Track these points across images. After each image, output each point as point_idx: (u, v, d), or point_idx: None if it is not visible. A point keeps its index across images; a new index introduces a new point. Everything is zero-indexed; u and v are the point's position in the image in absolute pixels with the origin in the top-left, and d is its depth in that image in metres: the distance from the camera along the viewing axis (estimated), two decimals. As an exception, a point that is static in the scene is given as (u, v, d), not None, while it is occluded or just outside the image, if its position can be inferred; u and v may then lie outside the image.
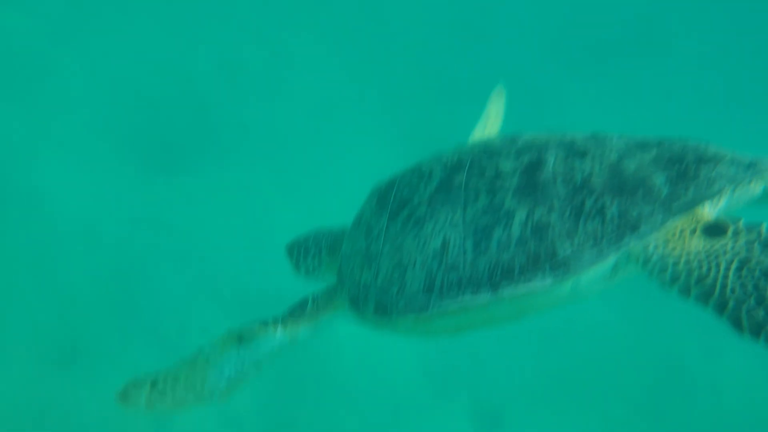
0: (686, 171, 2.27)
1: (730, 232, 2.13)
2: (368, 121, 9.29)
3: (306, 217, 8.07)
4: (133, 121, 8.07)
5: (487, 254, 2.35)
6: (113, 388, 5.43)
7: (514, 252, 2.31)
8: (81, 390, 5.58)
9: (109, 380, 5.71)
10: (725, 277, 2.00)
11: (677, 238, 2.19)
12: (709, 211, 2.25)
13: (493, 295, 2.32)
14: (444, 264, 2.42)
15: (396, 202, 2.68)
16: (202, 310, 6.37)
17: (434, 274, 2.43)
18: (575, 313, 6.91)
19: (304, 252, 3.33)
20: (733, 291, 1.97)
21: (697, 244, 2.14)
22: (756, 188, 2.31)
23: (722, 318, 1.94)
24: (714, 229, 2.15)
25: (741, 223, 2.14)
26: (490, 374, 6.86)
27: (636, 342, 7.23)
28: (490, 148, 2.56)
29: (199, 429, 5.61)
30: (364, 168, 8.61)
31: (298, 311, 2.86)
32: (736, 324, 1.91)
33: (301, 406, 5.94)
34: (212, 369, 2.88)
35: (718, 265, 2.05)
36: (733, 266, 2.02)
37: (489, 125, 3.73)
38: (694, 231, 2.18)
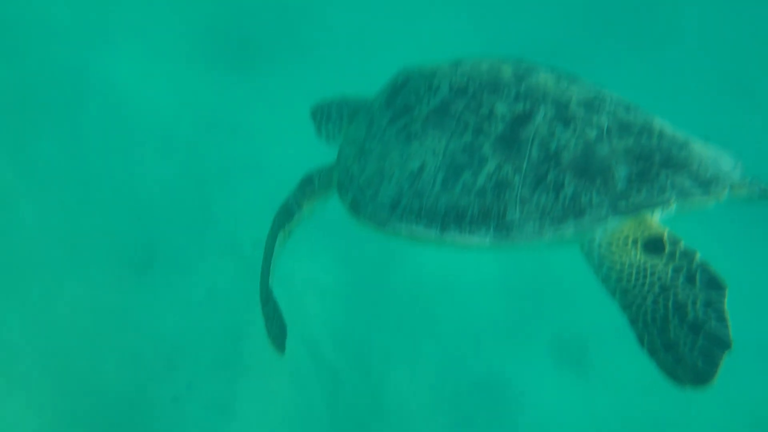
0: (647, 171, 2.29)
1: (666, 253, 2.17)
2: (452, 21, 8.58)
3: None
4: (209, 13, 7.59)
5: (450, 193, 2.42)
6: (188, 297, 5.33)
7: (472, 200, 2.38)
8: (157, 297, 5.48)
9: (184, 288, 5.65)
10: (644, 298, 2.09)
11: (620, 243, 2.24)
12: (656, 217, 2.30)
13: (440, 235, 2.43)
14: (414, 187, 2.51)
15: (400, 106, 2.72)
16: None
17: (402, 194, 2.53)
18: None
19: (327, 117, 3.36)
20: (645, 314, 2.06)
21: (634, 255, 2.19)
22: (708, 202, 2.32)
23: (630, 326, 2.07)
24: (653, 246, 2.20)
25: (679, 246, 2.17)
26: (576, 305, 6.45)
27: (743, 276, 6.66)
28: (497, 81, 2.56)
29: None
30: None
31: (309, 190, 3.07)
32: (639, 339, 2.04)
33: (379, 331, 5.72)
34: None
35: (642, 285, 2.12)
36: (654, 290, 2.09)
37: None
38: (636, 242, 2.22)
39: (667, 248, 2.18)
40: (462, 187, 2.42)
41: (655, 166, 2.30)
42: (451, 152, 2.50)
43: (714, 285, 2.07)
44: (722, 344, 1.94)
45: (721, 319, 1.99)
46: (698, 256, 2.14)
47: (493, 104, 2.50)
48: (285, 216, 3.12)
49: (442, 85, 2.65)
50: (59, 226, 5.54)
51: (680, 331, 2.00)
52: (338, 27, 8.08)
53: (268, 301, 3.35)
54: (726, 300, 2.04)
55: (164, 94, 6.69)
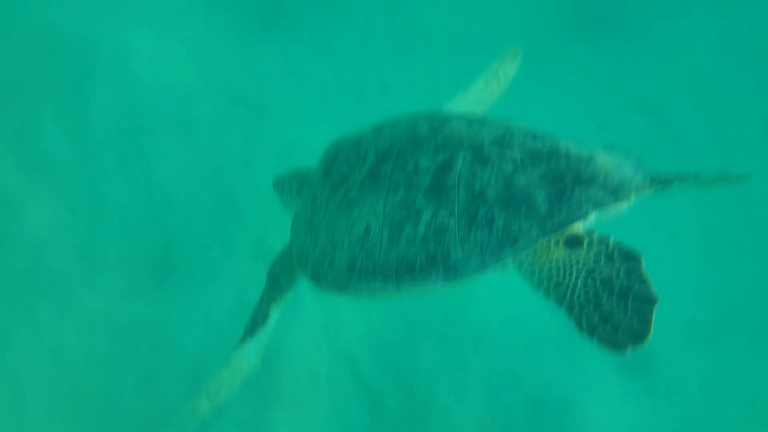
0: (563, 191, 2.55)
1: (585, 244, 2.49)
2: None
3: (428, 94, 6.89)
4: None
5: (398, 247, 2.65)
6: (212, 306, 4.76)
7: (418, 249, 2.61)
8: (178, 309, 4.92)
9: (209, 298, 5.08)
10: (574, 285, 2.38)
11: (544, 248, 2.52)
12: (578, 227, 2.57)
13: (396, 287, 2.65)
14: (364, 249, 2.73)
15: (336, 178, 2.98)
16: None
17: (356, 256, 2.76)
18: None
19: (281, 189, 3.73)
20: (578, 297, 2.34)
21: (558, 253, 2.49)
22: (620, 207, 2.63)
23: (570, 318, 2.32)
24: (573, 241, 2.51)
25: (594, 235, 2.51)
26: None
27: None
28: (416, 137, 2.81)
29: (311, 364, 4.92)
30: (495, 33, 7.19)
31: (277, 289, 3.42)
32: (578, 324, 2.30)
33: (424, 345, 5.14)
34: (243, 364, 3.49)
35: (570, 274, 2.41)
36: (582, 275, 2.39)
37: (492, 84, 3.99)
38: (557, 242, 2.52)
39: (585, 240, 2.51)
40: (406, 240, 2.65)
41: (569, 185, 2.57)
42: (389, 210, 2.74)
43: (630, 256, 2.40)
44: (650, 300, 2.26)
45: (643, 281, 2.31)
46: (612, 237, 2.48)
47: (417, 159, 2.76)
48: (258, 322, 3.49)
49: (369, 152, 2.93)
50: (69, 229, 4.95)
51: (612, 301, 2.28)
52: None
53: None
54: (643, 265, 2.36)
55: (183, 68, 5.97)
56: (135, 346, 4.75)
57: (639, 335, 2.21)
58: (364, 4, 7.08)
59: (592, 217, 2.59)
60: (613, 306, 2.30)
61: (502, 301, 5.42)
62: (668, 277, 6.17)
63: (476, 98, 3.94)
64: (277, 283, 3.43)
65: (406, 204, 2.70)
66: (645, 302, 2.27)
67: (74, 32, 5.62)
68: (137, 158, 5.33)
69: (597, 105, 7.14)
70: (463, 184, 2.64)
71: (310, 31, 6.47)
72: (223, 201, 5.38)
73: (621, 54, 7.24)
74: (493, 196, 2.59)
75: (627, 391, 5.36)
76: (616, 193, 2.61)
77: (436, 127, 2.84)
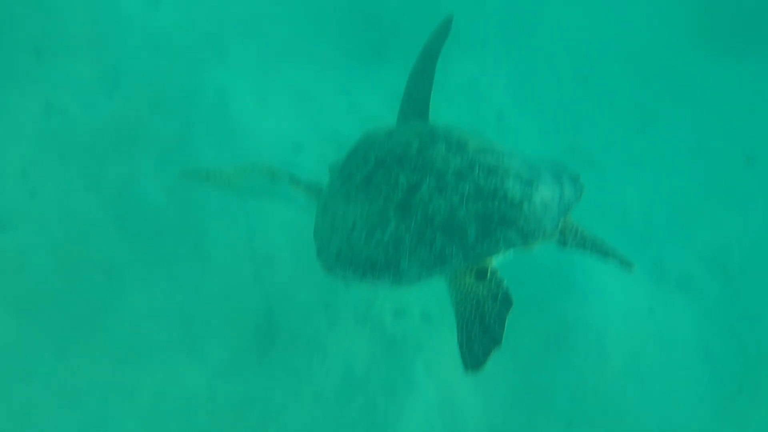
0: (488, 228, 3.17)
1: (487, 279, 3.18)
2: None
3: (551, 126, 6.24)
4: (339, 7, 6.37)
5: (368, 246, 3.30)
6: (317, 381, 4.39)
7: (380, 252, 3.25)
8: (281, 385, 4.60)
9: (313, 369, 4.73)
10: (466, 309, 3.13)
11: (462, 274, 3.23)
12: (494, 260, 3.26)
13: (360, 279, 3.30)
14: (348, 241, 3.38)
15: (347, 173, 3.62)
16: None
17: (342, 246, 3.41)
18: None
19: (333, 170, 4.01)
20: (465, 319, 3.09)
21: (468, 281, 3.20)
22: (532, 248, 3.26)
23: (458, 331, 3.09)
24: (481, 274, 3.20)
25: (496, 275, 3.20)
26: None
27: None
28: (405, 154, 3.43)
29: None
30: None
31: (312, 191, 4.11)
32: (458, 335, 3.08)
33: (550, 427, 4.58)
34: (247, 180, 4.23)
35: (467, 300, 3.15)
36: (473, 304, 3.12)
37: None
38: (471, 272, 3.22)
39: (488, 276, 3.18)
40: (375, 242, 3.26)
41: (494, 224, 3.18)
42: (370, 214, 3.33)
43: (506, 302, 3.09)
44: (495, 342, 2.98)
45: (501, 327, 3.02)
46: (504, 282, 3.17)
47: (398, 175, 3.35)
48: (280, 174, 4.16)
49: (370, 158, 3.52)
50: (170, 297, 4.74)
51: (477, 332, 3.02)
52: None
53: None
54: (509, 312, 3.07)
55: (287, 114, 5.65)
56: (238, 426, 4.46)
57: (477, 363, 2.94)
58: (481, 29, 6.50)
59: (503, 255, 3.24)
60: (476, 335, 3.02)
61: (643, 374, 4.77)
62: (740, 201, 5.41)
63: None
64: (316, 189, 4.08)
65: (382, 212, 3.31)
66: (492, 342, 2.98)
67: (178, 82, 5.40)
68: (239, 215, 5.04)
69: (747, 131, 6.26)
70: (421, 206, 3.24)
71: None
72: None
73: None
74: (439, 222, 3.20)
75: None
76: (527, 238, 3.17)
77: (423, 148, 3.41)
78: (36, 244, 4.70)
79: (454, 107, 6.08)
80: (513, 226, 3.17)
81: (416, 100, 4.25)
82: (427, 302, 4.93)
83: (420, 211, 3.22)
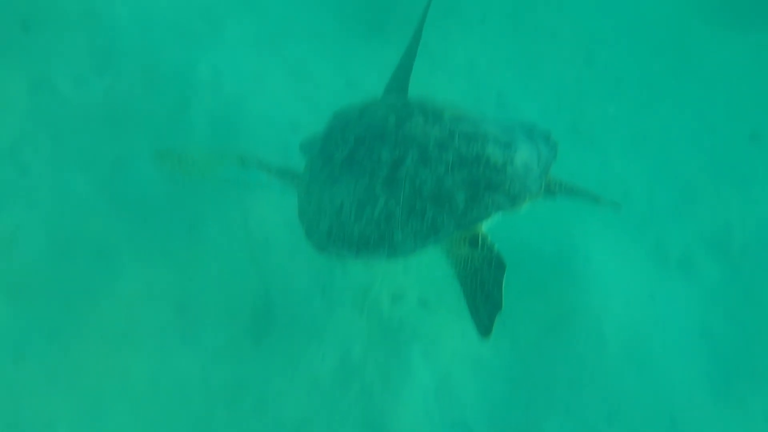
0: (476, 195, 3.25)
1: (480, 245, 3.28)
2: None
3: (553, 106, 6.11)
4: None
5: (359, 223, 3.36)
6: (314, 367, 4.34)
7: (373, 228, 3.31)
8: (278, 371, 4.54)
9: (310, 355, 4.67)
10: (467, 277, 3.24)
11: (457, 242, 3.31)
12: (486, 224, 3.35)
13: (356, 256, 3.35)
14: (338, 220, 3.44)
15: (327, 154, 3.67)
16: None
17: (332, 225, 3.46)
18: None
19: (306, 151, 4.11)
20: (468, 287, 3.22)
21: (464, 249, 3.29)
22: (520, 209, 3.31)
23: (466, 301, 3.21)
24: (474, 242, 3.30)
25: (487, 242, 3.30)
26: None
27: None
28: (384, 130, 3.48)
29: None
30: None
31: (285, 176, 4.15)
32: (466, 300, 3.21)
33: (550, 416, 4.53)
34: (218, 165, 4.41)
35: (466, 268, 3.25)
36: (472, 271, 3.23)
37: None
38: (465, 240, 3.31)
39: (480, 243, 3.29)
40: (366, 219, 3.33)
41: (481, 189, 3.26)
42: (357, 192, 3.40)
43: (499, 267, 3.20)
44: (496, 307, 3.11)
45: (499, 290, 3.14)
46: (495, 246, 3.28)
47: (380, 151, 3.41)
48: (251, 161, 4.20)
49: (349, 137, 3.59)
50: (165, 280, 4.65)
51: (480, 299, 3.14)
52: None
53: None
54: (504, 275, 3.17)
55: (284, 93, 5.51)
56: (233, 411, 4.41)
57: (486, 329, 3.08)
58: (482, 4, 6.33)
59: (494, 218, 3.31)
60: (480, 303, 3.14)
61: (642, 358, 4.72)
62: (744, 180, 5.39)
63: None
64: (288, 174, 4.12)
65: (369, 189, 3.35)
66: (494, 307, 3.11)
67: (171, 60, 5.25)
68: (234, 197, 4.94)
69: (753, 106, 6.14)
70: (408, 179, 3.29)
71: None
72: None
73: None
74: (428, 193, 3.27)
75: None
76: (514, 200, 3.27)
77: (400, 122, 3.46)
78: (27, 223, 4.60)
79: (455, 86, 5.95)
80: (500, 190, 3.25)
81: (397, 76, 4.25)
82: (425, 288, 4.86)
83: (407, 184, 3.27)
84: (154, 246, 4.71)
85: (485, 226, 3.40)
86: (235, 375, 4.49)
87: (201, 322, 4.59)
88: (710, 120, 6.10)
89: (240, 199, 4.92)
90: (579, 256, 5.07)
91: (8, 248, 4.55)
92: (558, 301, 4.85)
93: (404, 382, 4.51)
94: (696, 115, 6.10)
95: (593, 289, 4.95)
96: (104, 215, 4.72)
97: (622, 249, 5.29)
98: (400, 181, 3.29)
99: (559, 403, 4.56)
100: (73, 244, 4.62)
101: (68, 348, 4.38)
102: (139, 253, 4.69)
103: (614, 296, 4.97)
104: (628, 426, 4.54)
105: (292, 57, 5.66)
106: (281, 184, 4.21)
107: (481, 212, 3.22)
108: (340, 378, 4.52)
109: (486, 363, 4.66)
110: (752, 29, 6.50)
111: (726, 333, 5.02)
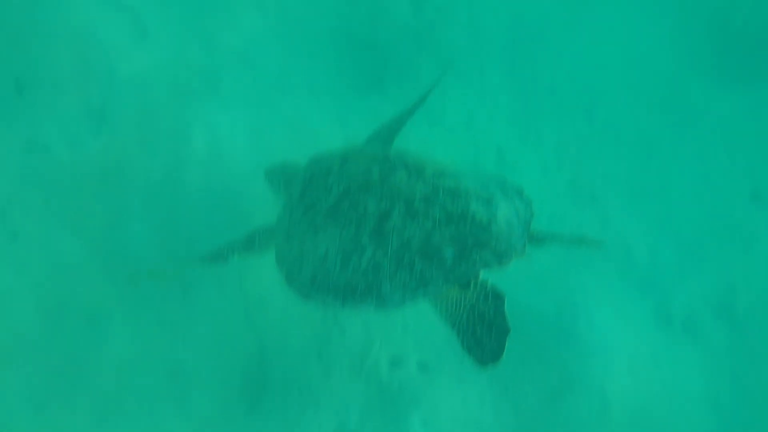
0: (464, 251, 3.33)
1: (471, 287, 3.34)
2: None
3: (552, 161, 6.05)
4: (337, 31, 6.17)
5: (345, 272, 3.38)
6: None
7: (360, 278, 3.35)
8: (272, 438, 4.40)
9: (306, 425, 4.53)
10: (461, 315, 3.30)
11: (446, 290, 3.33)
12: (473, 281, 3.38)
13: (341, 305, 3.36)
14: (323, 268, 3.45)
15: (308, 201, 3.72)
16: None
17: (316, 272, 3.47)
18: None
19: (271, 181, 4.46)
20: (462, 325, 3.27)
21: (455, 294, 3.34)
22: (504, 267, 3.35)
23: (456, 338, 3.27)
24: (464, 285, 3.34)
25: (479, 280, 3.35)
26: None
27: None
28: (369, 182, 3.58)
29: None
30: None
31: (248, 247, 4.03)
32: (461, 343, 3.24)
33: None
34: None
35: (459, 308, 3.31)
36: (467, 309, 3.29)
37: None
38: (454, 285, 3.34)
39: (472, 284, 3.34)
40: (352, 269, 3.38)
41: (469, 246, 3.35)
42: (343, 241, 3.45)
43: (498, 297, 3.29)
44: (505, 332, 3.20)
45: (503, 317, 3.23)
46: (489, 282, 3.35)
47: (366, 203, 3.51)
48: (217, 255, 3.99)
49: (334, 187, 3.66)
50: (157, 344, 4.53)
51: (483, 330, 3.20)
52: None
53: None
54: (505, 304, 3.28)
55: (283, 150, 5.43)
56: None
57: (496, 355, 3.14)
58: (480, 59, 6.32)
59: (480, 275, 3.34)
60: (483, 333, 3.20)
61: (643, 430, 4.59)
62: (746, 240, 5.28)
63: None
64: (251, 244, 4.00)
65: (355, 239, 3.40)
66: (502, 333, 3.19)
67: (167, 118, 5.19)
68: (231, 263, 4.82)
69: (754, 163, 6.10)
70: (396, 232, 3.37)
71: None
72: (321, 310, 4.81)
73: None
74: (416, 246, 3.33)
75: None
76: (501, 257, 3.34)
77: (384, 175, 3.58)
78: (16, 289, 4.49)
79: (453, 141, 5.90)
80: (486, 247, 3.33)
81: (386, 127, 4.41)
82: (425, 349, 4.75)
83: (395, 237, 3.35)
84: (147, 309, 4.61)
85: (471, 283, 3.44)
86: (228, 447, 4.35)
87: (194, 387, 4.48)
88: (711, 177, 6.05)
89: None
90: (581, 318, 4.97)
91: (-4, 313, 4.44)
92: (560, 365, 4.74)
93: None
94: (697, 172, 6.06)
95: (596, 353, 4.84)
96: (95, 279, 4.61)
97: (624, 310, 5.20)
98: (388, 233, 3.36)
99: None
100: (63, 309, 4.51)
101: (55, 420, 4.24)
102: (132, 317, 4.57)
103: (617, 361, 4.86)
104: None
105: (289, 112, 5.61)
106: (266, 249, 4.04)
107: (469, 268, 3.28)
108: (337, 451, 4.39)
109: (487, 431, 4.53)
110: (752, 85, 6.49)
111: (732, 399, 4.90)
